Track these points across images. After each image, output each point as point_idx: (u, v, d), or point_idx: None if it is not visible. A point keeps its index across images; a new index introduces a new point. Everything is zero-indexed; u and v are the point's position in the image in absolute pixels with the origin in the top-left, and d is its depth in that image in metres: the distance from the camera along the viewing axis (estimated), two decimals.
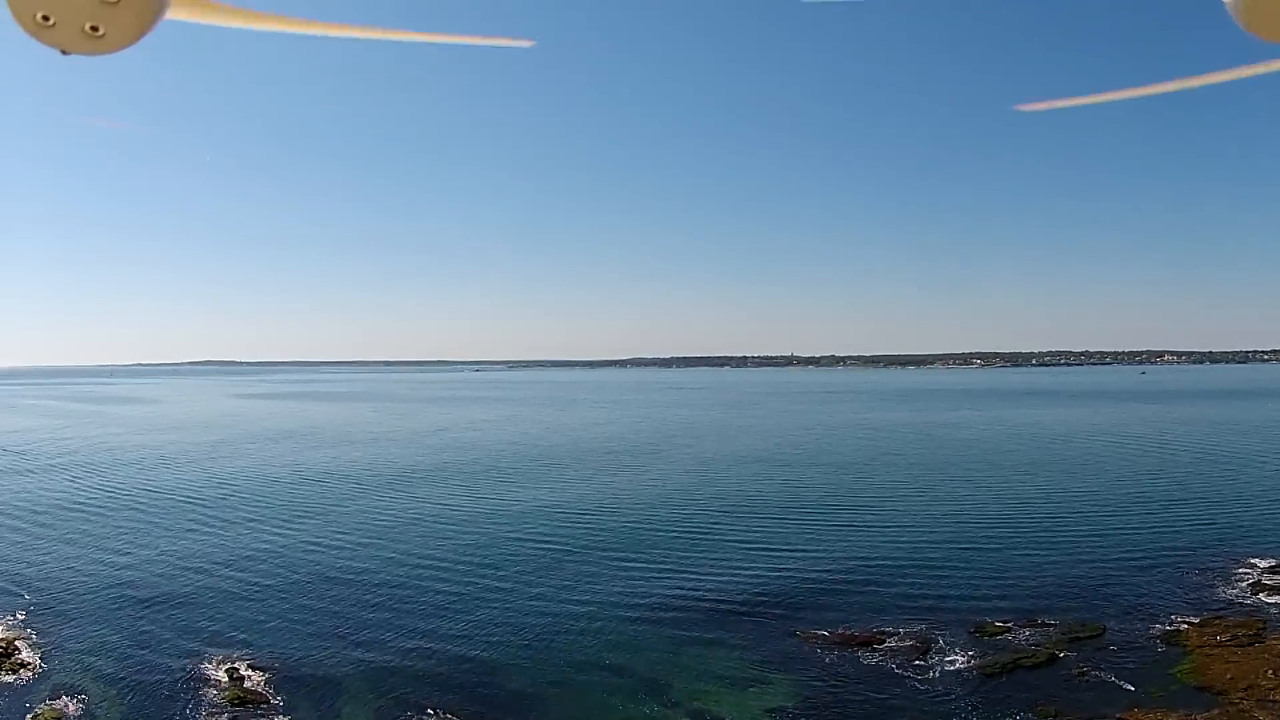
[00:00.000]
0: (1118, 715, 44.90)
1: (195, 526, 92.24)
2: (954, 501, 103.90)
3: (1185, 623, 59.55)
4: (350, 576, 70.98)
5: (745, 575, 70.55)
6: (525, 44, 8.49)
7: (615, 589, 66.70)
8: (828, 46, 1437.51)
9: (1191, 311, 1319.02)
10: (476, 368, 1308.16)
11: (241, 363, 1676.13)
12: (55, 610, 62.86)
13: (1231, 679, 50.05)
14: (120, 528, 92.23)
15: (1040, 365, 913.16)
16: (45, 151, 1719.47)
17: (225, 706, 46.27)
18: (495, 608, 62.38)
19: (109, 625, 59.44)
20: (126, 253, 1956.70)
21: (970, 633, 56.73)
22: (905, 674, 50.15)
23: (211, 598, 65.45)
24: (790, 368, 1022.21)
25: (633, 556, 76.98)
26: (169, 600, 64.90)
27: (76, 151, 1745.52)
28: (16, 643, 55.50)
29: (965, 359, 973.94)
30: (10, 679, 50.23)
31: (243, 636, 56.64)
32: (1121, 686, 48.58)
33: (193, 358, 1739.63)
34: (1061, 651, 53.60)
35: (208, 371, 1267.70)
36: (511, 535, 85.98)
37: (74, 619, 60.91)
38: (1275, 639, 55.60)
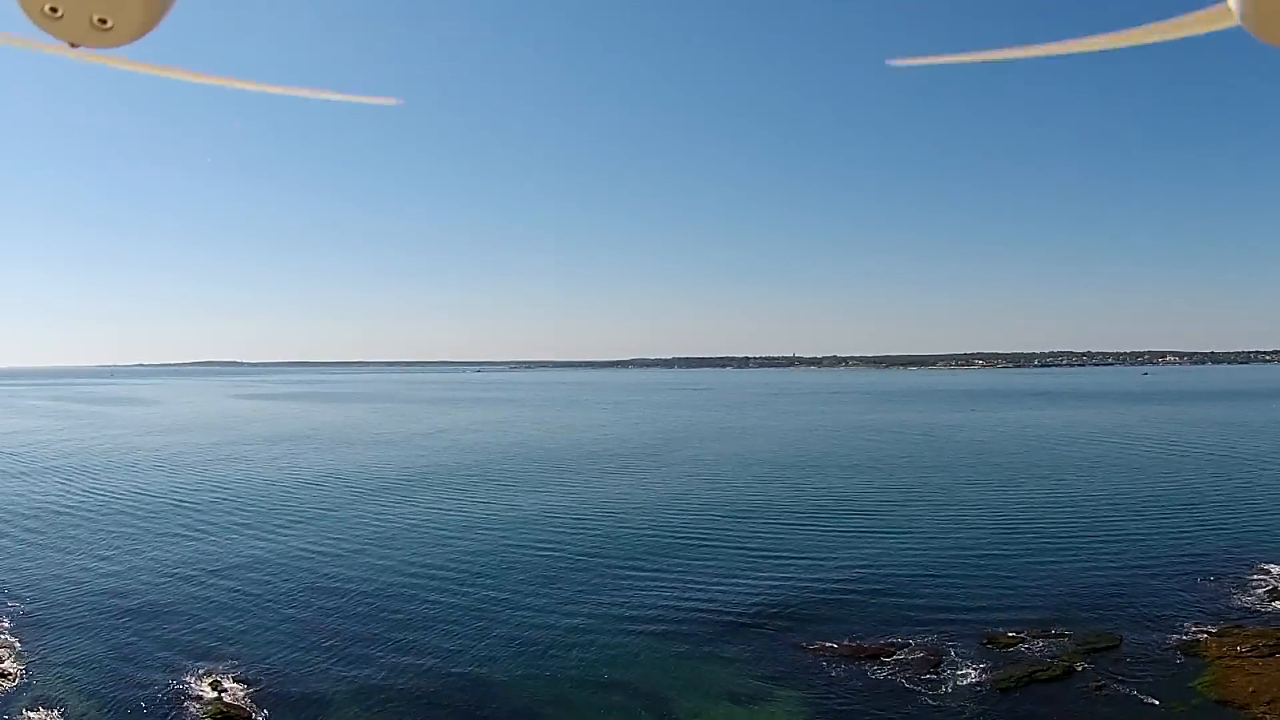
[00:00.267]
0: None
1: (186, 532, 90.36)
2: (961, 506, 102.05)
3: (1203, 632, 57.80)
4: (342, 586, 68.97)
5: (749, 584, 68.56)
6: (391, 102, 8.51)
7: (615, 599, 64.67)
8: (829, 48, 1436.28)
9: (1193, 312, 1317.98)
10: (478, 368, 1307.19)
11: (243, 363, 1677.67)
12: (39, 620, 61.03)
13: (1254, 692, 48.31)
14: (110, 533, 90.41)
15: (1042, 366, 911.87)
16: (46, 151, 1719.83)
17: None
18: (490, 620, 60.29)
19: (93, 636, 57.61)
20: (127, 253, 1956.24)
21: (982, 644, 54.89)
22: (916, 688, 48.29)
23: (199, 608, 63.54)
24: (793, 368, 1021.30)
25: (633, 565, 74.97)
26: (155, 610, 63.01)
27: (77, 151, 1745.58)
28: None
29: (967, 360, 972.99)
30: None
31: (228, 649, 54.77)
32: (1143, 701, 46.77)
33: (194, 358, 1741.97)
34: (1078, 664, 51.80)
35: (209, 372, 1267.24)
36: (509, 542, 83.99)
37: (57, 629, 59.12)
38: None
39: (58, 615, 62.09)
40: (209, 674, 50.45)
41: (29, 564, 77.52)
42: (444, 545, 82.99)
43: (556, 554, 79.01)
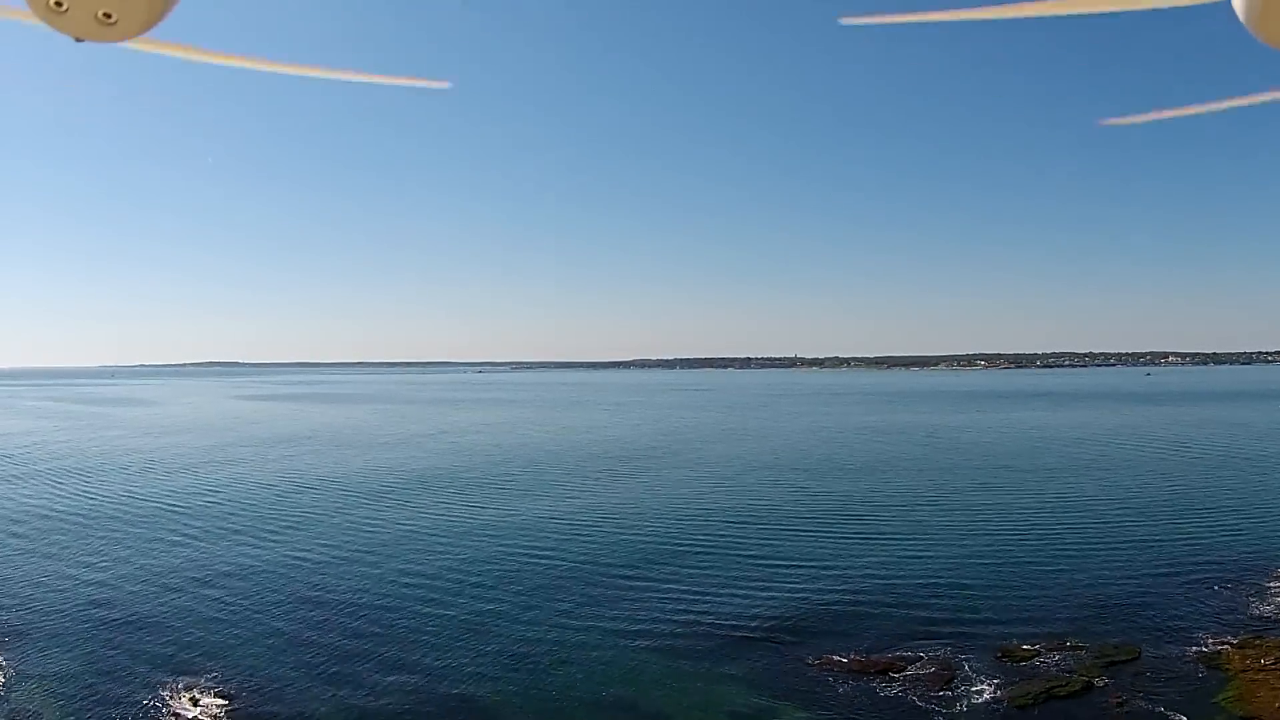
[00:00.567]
0: None
1: (175, 538, 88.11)
2: (969, 510, 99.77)
3: (1224, 644, 55.73)
4: (331, 597, 66.47)
5: (750, 594, 66.09)
6: (441, 85, 8.56)
7: (613, 612, 62.15)
8: (830, 48, 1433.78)
9: (1195, 313, 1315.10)
10: (479, 369, 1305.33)
11: (243, 364, 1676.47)
12: (17, 630, 58.82)
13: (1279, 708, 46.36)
14: (97, 539, 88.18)
15: (1044, 367, 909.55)
16: (46, 150, 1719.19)
17: None
18: (484, 635, 57.72)
19: (71, 648, 55.38)
20: (128, 253, 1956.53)
21: (996, 657, 52.69)
22: (929, 706, 46.05)
23: (183, 619, 61.18)
24: (794, 369, 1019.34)
25: (631, 574, 72.39)
26: (137, 622, 60.72)
27: (77, 151, 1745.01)
28: None
29: (969, 360, 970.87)
30: None
31: (211, 664, 52.39)
32: (1168, 717, 44.64)
33: (194, 359, 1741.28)
34: (1097, 678, 49.62)
35: (209, 372, 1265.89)
36: (505, 551, 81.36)
37: (36, 640, 56.94)
38: None
39: (37, 626, 59.93)
40: (189, 689, 48.26)
41: (10, 571, 75.34)
42: (438, 554, 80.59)
43: (552, 563, 76.56)
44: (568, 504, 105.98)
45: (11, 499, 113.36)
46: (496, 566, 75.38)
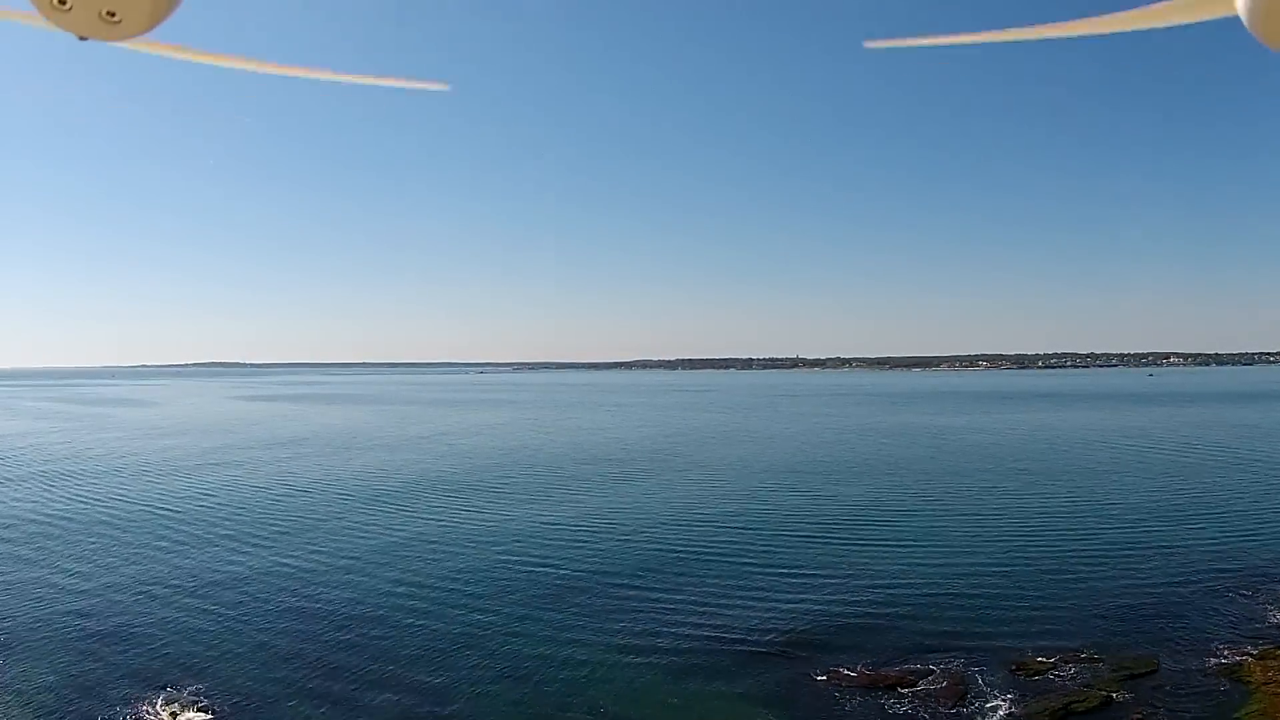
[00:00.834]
0: None
1: (165, 545, 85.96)
2: (978, 516, 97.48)
3: (1244, 655, 53.89)
4: (323, 609, 64.25)
5: (754, 605, 63.91)
6: (440, 87, 8.72)
7: (613, 624, 59.91)
8: (831, 49, 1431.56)
9: (1197, 313, 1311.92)
10: (481, 369, 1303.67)
11: (244, 364, 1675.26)
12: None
13: None
14: (86, 545, 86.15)
15: (1046, 368, 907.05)
16: (46, 150, 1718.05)
17: None
18: (480, 650, 55.52)
19: (50, 663, 53.26)
20: (129, 253, 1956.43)
21: (1011, 670, 50.73)
22: None
23: (168, 632, 59.09)
24: (796, 369, 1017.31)
25: (632, 585, 70.04)
26: (122, 634, 58.67)
27: (78, 151, 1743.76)
28: None
29: (971, 361, 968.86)
30: None
31: (194, 681, 50.20)
32: None
33: (196, 359, 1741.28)
34: (1115, 692, 47.74)
35: (210, 373, 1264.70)
36: (502, 560, 78.76)
37: (16, 652, 54.96)
38: None
39: (16, 637, 57.85)
40: (169, 704, 46.35)
41: None
42: (433, 562, 78.26)
43: (550, 572, 74.20)
44: (567, 510, 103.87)
45: (0, 503, 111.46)
46: (493, 576, 73.13)
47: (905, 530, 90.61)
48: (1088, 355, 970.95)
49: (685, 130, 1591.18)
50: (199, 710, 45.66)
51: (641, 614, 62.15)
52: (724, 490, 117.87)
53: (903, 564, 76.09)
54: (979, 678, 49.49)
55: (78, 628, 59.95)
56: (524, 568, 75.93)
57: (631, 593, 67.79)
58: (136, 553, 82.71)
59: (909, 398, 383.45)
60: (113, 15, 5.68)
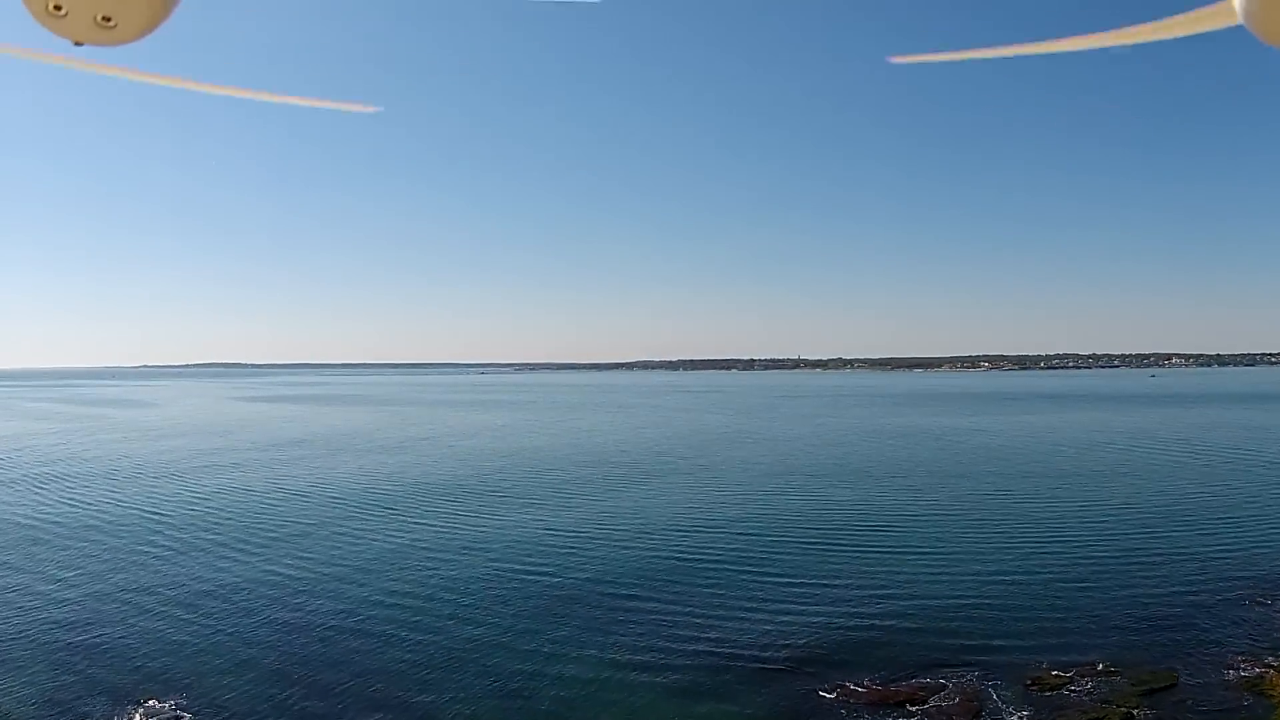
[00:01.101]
0: None
1: (155, 552, 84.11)
2: (987, 523, 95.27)
3: (1265, 667, 52.22)
4: (314, 621, 62.28)
5: (760, 616, 61.91)
6: (369, 109, 8.71)
7: (614, 637, 57.96)
8: (834, 48, 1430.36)
9: (1199, 314, 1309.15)
10: (483, 370, 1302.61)
11: (246, 365, 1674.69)
12: None
13: None
14: (73, 552, 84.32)
15: (1048, 368, 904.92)
16: (46, 151, 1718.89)
17: None
18: (476, 665, 53.59)
19: (31, 674, 51.52)
20: (129, 253, 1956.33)
21: (1026, 685, 48.97)
22: None
23: (153, 644, 57.27)
24: (798, 370, 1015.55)
25: (633, 596, 67.99)
26: (104, 647, 56.82)
27: (78, 151, 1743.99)
28: None
29: (973, 362, 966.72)
30: None
31: (177, 696, 48.46)
32: None
33: (197, 360, 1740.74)
34: (1134, 708, 46.06)
35: (212, 374, 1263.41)
36: (500, 570, 76.51)
37: None
38: None
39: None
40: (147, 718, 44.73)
41: None
42: (428, 571, 76.10)
43: (549, 582, 72.14)
44: (566, 516, 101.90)
45: None
46: (488, 587, 71.00)
47: (912, 536, 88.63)
48: (1090, 356, 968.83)
49: (688, 130, 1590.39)
50: None
51: (641, 626, 60.26)
52: (726, 496, 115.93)
53: (910, 572, 74.11)
54: (993, 693, 47.75)
55: (59, 639, 58.06)
56: (520, 577, 73.97)
57: (631, 603, 65.87)
58: (125, 560, 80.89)
59: (911, 399, 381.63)
60: (108, 20, 5.68)
